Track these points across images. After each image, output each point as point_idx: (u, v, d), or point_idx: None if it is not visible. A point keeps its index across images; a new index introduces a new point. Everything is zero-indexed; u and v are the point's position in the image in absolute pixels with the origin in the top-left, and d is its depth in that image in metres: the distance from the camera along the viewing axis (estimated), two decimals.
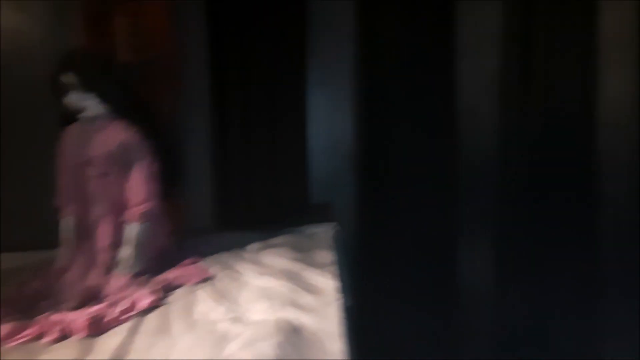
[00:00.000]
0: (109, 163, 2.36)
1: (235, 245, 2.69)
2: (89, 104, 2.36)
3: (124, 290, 2.18)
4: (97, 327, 1.95)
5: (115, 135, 2.38)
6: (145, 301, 2.10)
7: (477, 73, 3.07)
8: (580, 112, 3.03)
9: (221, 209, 3.07)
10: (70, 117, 2.43)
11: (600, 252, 3.06)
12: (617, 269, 3.08)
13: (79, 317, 1.97)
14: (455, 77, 3.05)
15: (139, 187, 2.35)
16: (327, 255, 2.46)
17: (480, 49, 3.06)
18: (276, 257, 2.49)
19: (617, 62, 3.03)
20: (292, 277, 2.26)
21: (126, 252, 2.32)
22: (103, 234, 2.37)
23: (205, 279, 2.30)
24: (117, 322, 2.00)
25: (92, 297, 2.16)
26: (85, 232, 2.41)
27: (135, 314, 2.04)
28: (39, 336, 1.91)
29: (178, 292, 2.22)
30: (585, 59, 3.01)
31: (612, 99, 3.05)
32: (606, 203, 3.05)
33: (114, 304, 2.08)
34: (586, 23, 3.00)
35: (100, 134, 2.38)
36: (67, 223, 2.45)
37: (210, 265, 2.44)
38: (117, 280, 2.25)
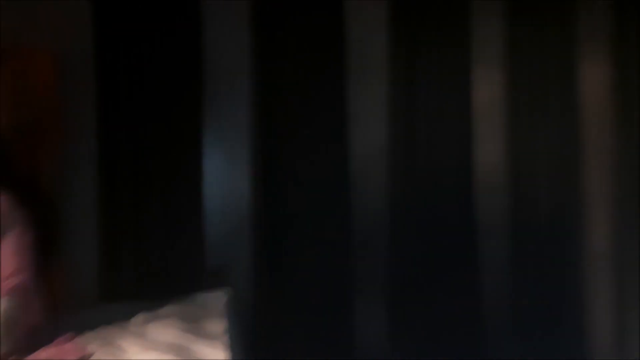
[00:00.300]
0: None
1: (120, 317, 2.43)
2: None
3: None
4: None
5: None
6: None
7: (368, 139, 3.07)
8: (461, 174, 3.14)
9: (107, 279, 2.84)
10: None
11: (482, 303, 3.16)
12: (498, 317, 3.18)
13: None
14: (347, 141, 3.03)
15: (7, 259, 2.11)
16: (218, 325, 2.29)
17: (369, 116, 3.07)
18: (163, 330, 2.28)
19: (490, 129, 3.21)
20: (180, 351, 2.08)
21: None
22: None
23: (82, 358, 2.06)
24: None
25: None
26: None
27: None
28: None
29: None
30: (461, 125, 3.14)
31: (488, 163, 3.20)
32: (485, 260, 3.17)
33: None
34: (462, 91, 3.15)
35: None
36: None
37: (89, 341, 2.18)
38: None
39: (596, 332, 3.34)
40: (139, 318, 2.43)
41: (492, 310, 3.18)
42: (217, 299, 2.67)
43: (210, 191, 2.96)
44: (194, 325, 2.33)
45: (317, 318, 3.03)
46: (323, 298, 3.03)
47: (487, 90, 3.21)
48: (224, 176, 3.00)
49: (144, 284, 2.84)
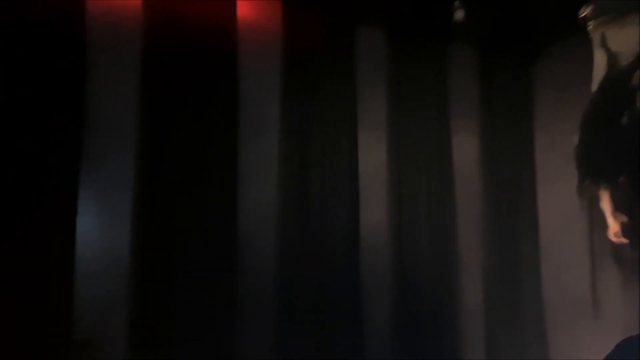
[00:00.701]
0: None
1: None
2: None
3: None
4: None
5: None
6: None
7: (258, 198, 2.91)
8: (348, 234, 3.09)
9: None
10: None
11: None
12: None
13: None
14: (237, 201, 2.85)
15: None
16: None
17: (260, 175, 2.94)
18: None
19: (377, 192, 3.27)
20: None
21: None
22: None
23: None
24: None
25: None
26: None
27: None
28: None
29: None
30: (349, 186, 3.10)
31: (374, 223, 3.18)
32: (368, 317, 3.11)
33: None
34: (350, 153, 3.15)
35: None
36: None
37: None
38: None
39: None
40: None
41: None
42: None
43: (85, 252, 2.58)
44: None
45: None
46: None
47: (373, 154, 3.19)
48: (101, 233, 2.66)
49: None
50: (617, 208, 2.89)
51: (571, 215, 3.30)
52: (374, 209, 3.19)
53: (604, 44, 2.93)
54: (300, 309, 2.94)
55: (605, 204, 2.90)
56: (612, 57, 2.87)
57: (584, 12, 3.09)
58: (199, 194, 2.74)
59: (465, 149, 3.55)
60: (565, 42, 3.44)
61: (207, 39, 2.74)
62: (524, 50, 3.69)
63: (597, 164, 2.73)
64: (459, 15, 3.05)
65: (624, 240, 2.83)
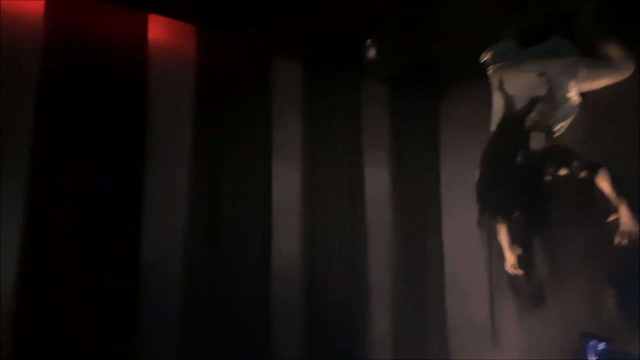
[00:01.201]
0: None
1: None
2: None
3: None
4: None
5: None
6: None
7: (164, 228, 2.80)
8: (258, 264, 3.04)
9: None
10: None
11: None
12: None
13: None
14: (141, 231, 2.71)
15: None
16: None
17: (168, 206, 2.82)
18: None
19: (290, 223, 3.23)
20: None
21: None
22: None
23: None
24: None
25: None
26: None
27: None
28: None
29: None
30: (262, 217, 3.08)
31: (285, 254, 3.17)
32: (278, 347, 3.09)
33: None
34: (263, 190, 3.12)
35: None
36: None
37: None
38: None
39: None
40: None
41: None
42: None
43: None
44: None
45: None
46: None
47: (287, 184, 3.17)
48: None
49: None
50: (514, 241, 3.03)
51: (473, 247, 3.44)
52: (287, 239, 3.17)
53: (501, 88, 3.11)
54: (207, 340, 2.83)
55: (503, 237, 3.04)
56: (508, 100, 3.05)
57: (485, 56, 3.28)
58: (100, 223, 2.57)
59: (377, 180, 3.63)
60: (470, 83, 3.63)
61: (115, 59, 2.59)
62: (432, 89, 3.86)
63: (494, 199, 2.87)
64: (371, 52, 3.14)
65: (520, 272, 2.98)
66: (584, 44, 2.95)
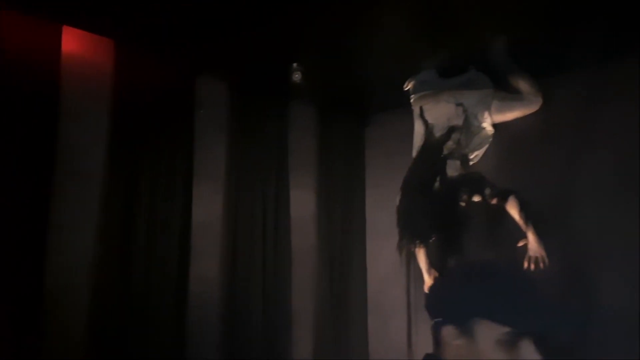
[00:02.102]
0: None
1: None
2: None
3: None
4: None
5: None
6: None
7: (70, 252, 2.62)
8: (175, 288, 2.91)
9: None
10: None
11: None
12: None
13: None
14: (46, 254, 2.52)
15: None
16: None
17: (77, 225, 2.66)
18: None
19: (210, 246, 3.15)
20: None
21: None
22: None
23: None
24: None
25: None
26: None
27: None
28: None
29: None
30: (181, 239, 2.97)
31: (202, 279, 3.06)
32: None
33: None
34: (182, 211, 2.99)
35: None
36: None
37: None
38: None
39: None
40: None
41: None
42: None
43: None
44: None
45: None
46: None
47: (209, 205, 3.08)
48: None
49: None
50: (431, 265, 3.10)
51: (395, 270, 3.48)
52: (206, 263, 3.07)
53: (422, 116, 3.20)
54: None
55: (421, 261, 3.10)
56: (428, 128, 3.15)
57: (408, 85, 3.38)
58: (1, 242, 2.39)
59: (302, 203, 3.62)
60: (394, 110, 3.71)
61: (25, 72, 2.43)
62: (358, 114, 3.92)
63: (413, 224, 2.93)
64: (296, 76, 3.15)
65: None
66: (497, 78, 3.10)
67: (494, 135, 3.12)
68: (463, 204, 2.89)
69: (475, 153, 3.11)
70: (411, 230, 2.93)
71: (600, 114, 2.80)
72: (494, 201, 2.88)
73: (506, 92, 3.05)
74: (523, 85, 3.02)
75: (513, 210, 2.84)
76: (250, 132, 3.37)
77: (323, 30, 3.17)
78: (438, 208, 2.87)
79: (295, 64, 3.11)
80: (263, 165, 3.39)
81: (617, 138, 2.75)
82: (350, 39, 3.25)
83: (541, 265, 2.79)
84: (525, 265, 2.81)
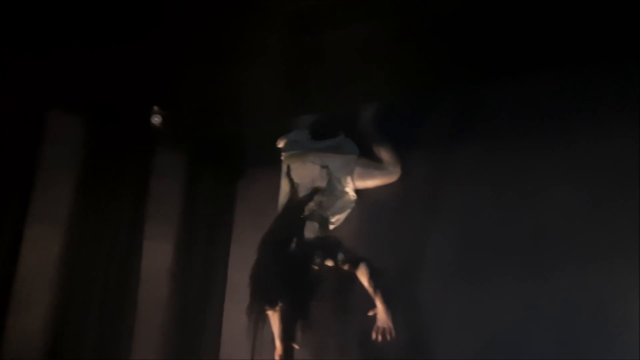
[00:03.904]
0: None
1: None
2: None
3: None
4: None
5: None
6: None
7: None
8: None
9: None
10: None
11: None
12: None
13: None
14: None
15: None
16: None
17: None
18: None
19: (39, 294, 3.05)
20: None
21: None
22: None
23: None
24: None
25: None
26: None
27: None
28: None
29: None
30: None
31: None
32: None
33: None
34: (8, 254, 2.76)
35: None
36: None
37: None
38: None
39: None
40: None
41: None
42: None
43: None
44: None
45: None
46: None
47: (42, 250, 2.87)
48: None
49: None
50: (283, 330, 2.97)
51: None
52: (31, 314, 2.73)
53: (289, 174, 3.17)
54: None
55: (273, 325, 2.97)
56: (293, 187, 3.11)
57: (279, 143, 3.36)
58: None
59: (159, 256, 3.39)
60: (266, 166, 3.65)
61: None
62: (229, 167, 3.82)
63: (265, 286, 2.81)
64: (157, 120, 3.02)
65: None
66: (363, 145, 3.16)
67: (356, 201, 3.15)
68: (316, 267, 2.84)
69: (337, 217, 3.10)
70: (261, 292, 2.81)
71: (449, 192, 2.91)
72: (346, 267, 2.85)
73: (369, 159, 3.11)
74: (385, 154, 3.10)
75: (363, 277, 2.82)
76: (106, 174, 3.14)
77: (195, 76, 3.10)
78: (292, 270, 2.79)
79: (155, 107, 2.98)
80: (115, 211, 3.15)
81: (462, 215, 2.86)
82: (223, 90, 3.21)
83: (388, 336, 2.76)
84: (373, 335, 2.78)
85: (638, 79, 2.57)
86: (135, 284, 3.19)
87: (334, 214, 3.07)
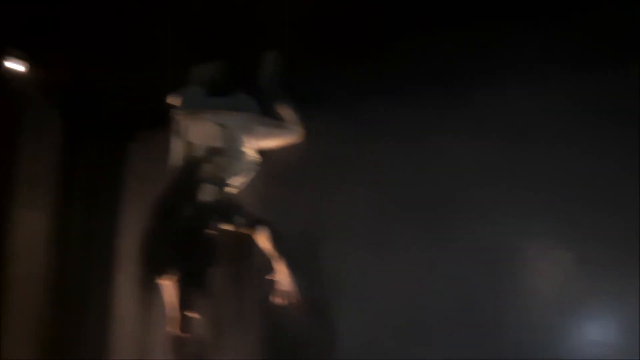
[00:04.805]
0: None
1: None
2: None
3: None
4: None
5: None
6: None
7: None
8: None
9: None
10: None
11: None
12: None
13: None
14: None
15: None
16: None
17: None
18: None
19: None
20: None
21: None
22: None
23: None
24: None
25: None
26: None
27: None
28: None
29: None
30: None
31: None
32: None
33: None
34: None
35: None
36: None
37: None
38: None
39: None
40: None
41: None
42: None
43: None
44: None
45: None
46: None
47: None
48: None
49: None
50: (180, 300, 2.78)
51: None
52: None
53: (182, 133, 2.92)
54: None
55: (169, 295, 2.76)
56: (188, 148, 2.88)
57: (172, 100, 3.09)
58: None
59: (34, 224, 3.04)
60: (159, 126, 3.36)
61: None
62: (116, 129, 3.48)
63: (157, 255, 2.59)
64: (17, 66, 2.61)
65: (182, 333, 2.71)
66: (264, 103, 2.98)
67: (260, 163, 2.98)
68: (214, 232, 2.65)
69: (236, 179, 2.91)
70: (153, 262, 2.58)
71: (353, 153, 2.84)
72: (245, 230, 2.69)
73: (271, 119, 2.94)
74: (287, 113, 2.94)
75: (264, 241, 2.69)
76: None
77: (72, 23, 2.73)
78: (186, 236, 2.58)
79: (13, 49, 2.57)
80: None
81: (366, 176, 2.81)
82: (107, 41, 2.87)
83: (290, 301, 2.67)
84: (275, 300, 2.67)
85: (532, 38, 2.60)
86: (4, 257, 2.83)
87: (233, 176, 2.88)
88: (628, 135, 2.38)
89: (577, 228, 2.36)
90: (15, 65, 2.51)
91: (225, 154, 2.85)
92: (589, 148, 2.43)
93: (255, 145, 2.92)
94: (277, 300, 2.66)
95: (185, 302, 2.72)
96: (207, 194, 2.73)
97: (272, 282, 2.67)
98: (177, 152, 2.94)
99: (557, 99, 2.53)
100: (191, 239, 2.58)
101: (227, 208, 2.70)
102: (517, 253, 2.41)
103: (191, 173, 2.78)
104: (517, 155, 2.55)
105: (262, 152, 2.98)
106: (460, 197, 2.62)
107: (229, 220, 2.67)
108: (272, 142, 2.93)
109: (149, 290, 2.64)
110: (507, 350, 2.42)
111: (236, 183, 2.91)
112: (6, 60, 2.49)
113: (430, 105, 2.83)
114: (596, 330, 2.38)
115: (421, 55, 2.90)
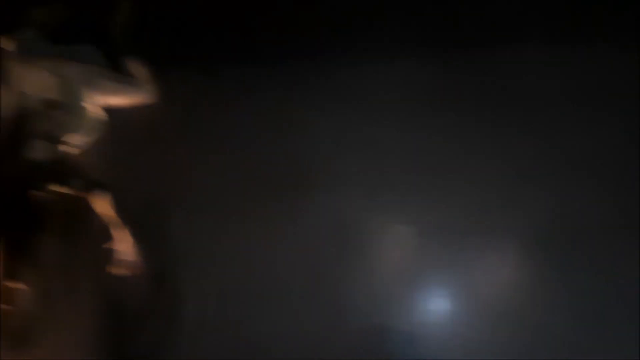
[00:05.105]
0: None
1: None
2: None
3: None
4: None
5: None
6: None
7: None
8: None
9: None
10: None
11: None
12: None
13: None
14: None
15: None
16: None
17: None
18: None
19: None
20: None
21: None
22: None
23: None
24: None
25: None
26: None
27: None
28: None
29: None
30: None
31: None
32: None
33: None
34: None
35: None
36: None
37: None
38: None
39: None
40: None
41: None
42: None
43: None
44: None
45: None
46: None
47: None
48: None
49: None
50: (4, 269, 2.47)
51: None
52: None
53: (12, 83, 2.58)
54: None
55: None
56: (17, 99, 2.54)
57: (3, 44, 2.70)
58: None
59: None
60: None
61: None
62: None
63: None
64: None
65: (6, 307, 2.43)
66: (112, 56, 2.73)
67: (106, 122, 2.72)
68: (45, 194, 2.39)
69: (76, 137, 2.64)
70: None
71: (209, 118, 2.72)
72: (84, 194, 2.46)
73: (118, 73, 2.69)
74: (138, 70, 2.72)
75: (104, 206, 2.48)
76: None
77: None
78: (8, 197, 2.29)
79: None
80: None
81: (222, 143, 2.70)
82: None
83: (133, 270, 2.50)
84: (114, 270, 2.48)
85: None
86: None
87: (71, 133, 2.60)
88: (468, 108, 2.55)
89: (418, 203, 2.49)
90: None
91: (62, 108, 2.56)
92: (431, 125, 2.57)
93: (100, 101, 2.67)
94: (117, 270, 2.48)
95: (10, 272, 2.44)
96: (38, 151, 2.44)
97: (110, 251, 2.48)
98: (6, 102, 2.59)
99: (404, 73, 2.63)
100: (16, 200, 2.30)
101: (61, 168, 2.44)
102: (363, 226, 2.49)
103: (20, 127, 2.46)
104: (372, 132, 2.61)
105: (109, 110, 2.73)
106: (315, 171, 2.63)
107: (63, 182, 2.41)
108: (119, 100, 2.70)
109: None
110: (351, 318, 2.50)
111: (75, 142, 2.64)
112: None
113: (295, 76, 2.78)
114: (433, 299, 2.54)
115: (294, 27, 2.84)
